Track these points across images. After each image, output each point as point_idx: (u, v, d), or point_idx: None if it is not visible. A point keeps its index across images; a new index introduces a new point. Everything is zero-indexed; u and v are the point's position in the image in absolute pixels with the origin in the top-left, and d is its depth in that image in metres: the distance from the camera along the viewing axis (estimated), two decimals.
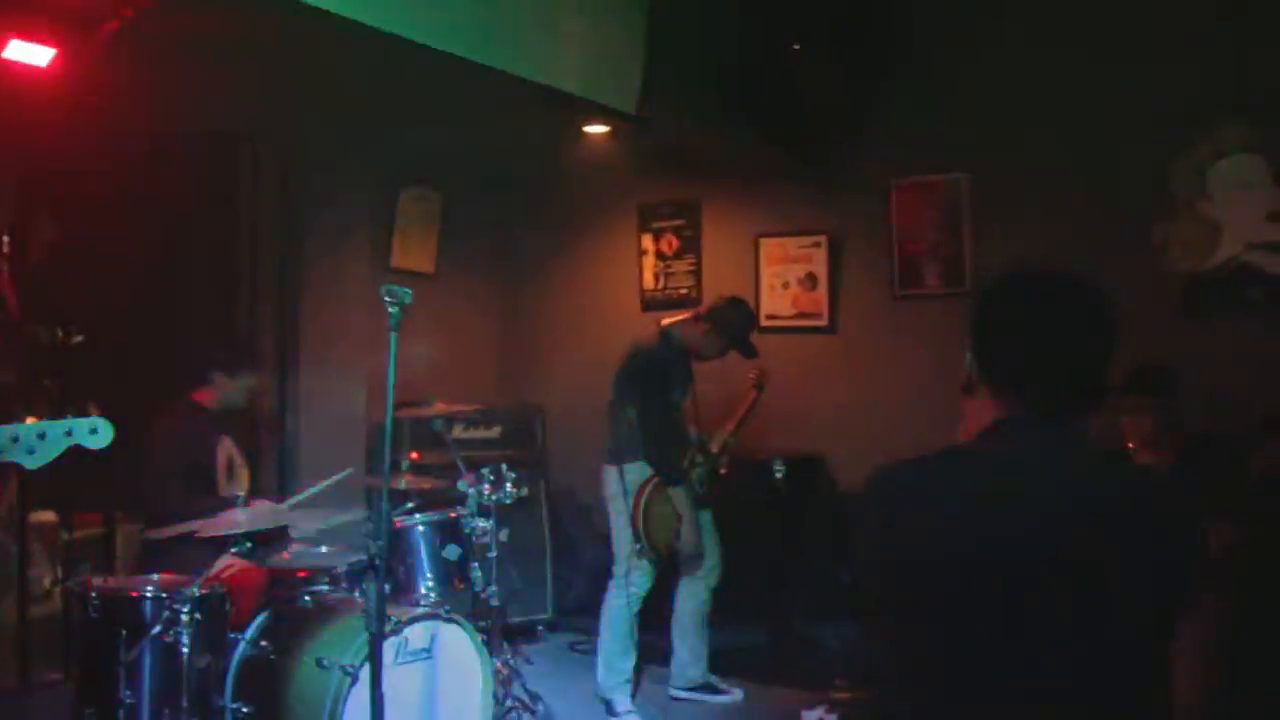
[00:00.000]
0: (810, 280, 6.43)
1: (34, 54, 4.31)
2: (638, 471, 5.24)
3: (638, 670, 5.42)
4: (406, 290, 2.88)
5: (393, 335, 2.87)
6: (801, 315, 6.48)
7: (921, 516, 1.75)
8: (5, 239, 5.67)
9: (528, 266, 7.63)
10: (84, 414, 2.91)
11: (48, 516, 6.34)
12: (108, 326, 5.83)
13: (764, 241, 6.60)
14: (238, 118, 5.71)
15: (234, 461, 4.92)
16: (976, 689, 1.71)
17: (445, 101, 5.25)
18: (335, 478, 4.79)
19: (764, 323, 6.53)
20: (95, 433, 2.90)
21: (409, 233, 6.83)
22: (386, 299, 2.88)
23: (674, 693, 5.54)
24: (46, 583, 6.34)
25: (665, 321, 5.56)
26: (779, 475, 5.98)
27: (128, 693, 3.83)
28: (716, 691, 5.56)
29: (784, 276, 6.52)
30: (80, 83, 4.79)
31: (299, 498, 4.83)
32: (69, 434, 2.86)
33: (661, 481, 5.21)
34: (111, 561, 5.66)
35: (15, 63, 4.31)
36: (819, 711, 4.96)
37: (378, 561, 3.02)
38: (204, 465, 4.82)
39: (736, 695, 5.57)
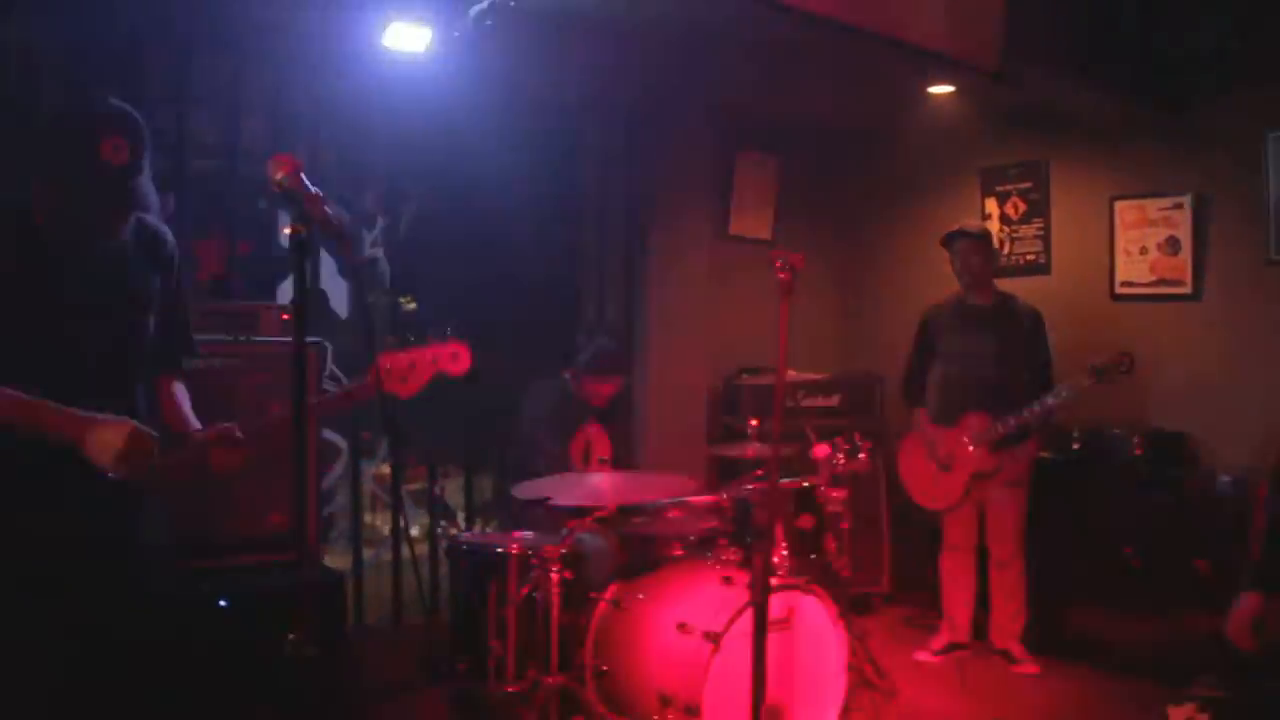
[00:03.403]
0: (1172, 245, 5.95)
1: (410, 38, 4.56)
2: None
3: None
4: (797, 256, 2.82)
5: (783, 301, 2.81)
6: (1161, 282, 6.00)
7: None
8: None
9: (864, 233, 7.46)
10: (443, 338, 3.03)
11: (385, 470, 6.77)
12: (465, 295, 6.12)
13: (1119, 204, 6.16)
14: (583, 88, 5.83)
15: (590, 449, 4.94)
16: None
17: (787, 64, 5.16)
18: None
19: (1118, 290, 6.14)
20: (456, 357, 3.01)
21: (746, 198, 6.80)
22: (778, 264, 2.84)
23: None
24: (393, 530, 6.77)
25: None
26: (1136, 453, 5.60)
27: (497, 644, 4.01)
28: (1011, 659, 5.53)
29: (1141, 241, 6.06)
30: (443, 62, 5.04)
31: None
32: (434, 361, 2.97)
33: None
34: (471, 514, 5.96)
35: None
36: (1188, 709, 4.62)
37: (764, 531, 2.99)
38: (562, 441, 4.90)
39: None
